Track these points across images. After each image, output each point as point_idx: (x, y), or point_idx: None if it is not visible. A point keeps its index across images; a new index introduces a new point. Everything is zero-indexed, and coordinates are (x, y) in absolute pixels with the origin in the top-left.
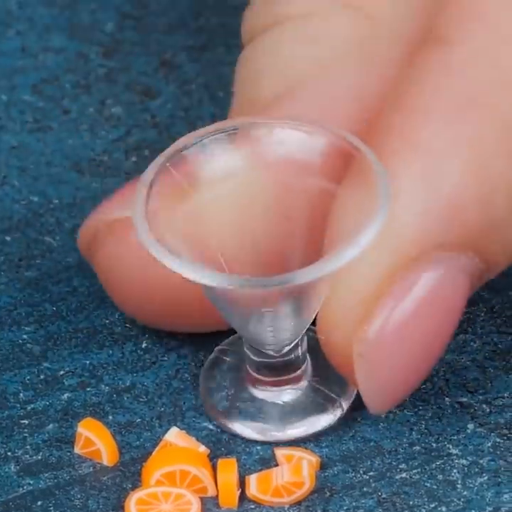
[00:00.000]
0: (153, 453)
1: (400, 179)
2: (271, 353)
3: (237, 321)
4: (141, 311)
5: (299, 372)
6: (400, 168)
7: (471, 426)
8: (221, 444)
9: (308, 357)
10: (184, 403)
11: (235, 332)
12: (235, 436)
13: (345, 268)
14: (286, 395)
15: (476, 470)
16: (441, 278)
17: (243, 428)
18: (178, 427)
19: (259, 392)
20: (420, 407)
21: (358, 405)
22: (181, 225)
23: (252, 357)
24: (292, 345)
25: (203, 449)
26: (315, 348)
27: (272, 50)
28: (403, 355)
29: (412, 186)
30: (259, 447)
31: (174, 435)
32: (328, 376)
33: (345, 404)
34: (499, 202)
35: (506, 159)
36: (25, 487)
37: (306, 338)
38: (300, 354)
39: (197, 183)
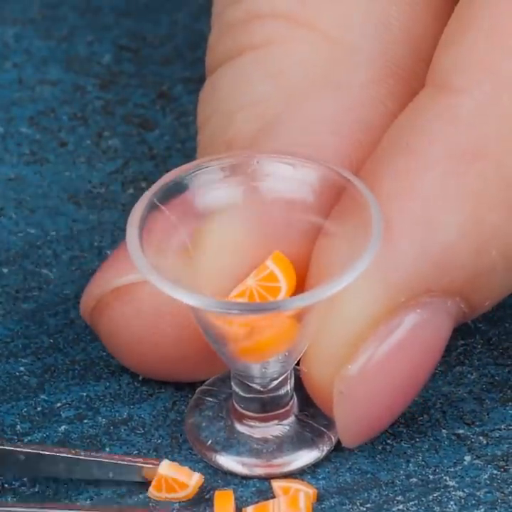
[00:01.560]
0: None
1: (395, 223)
2: (258, 387)
3: (227, 353)
4: (146, 368)
5: (287, 407)
6: (396, 213)
7: (468, 458)
8: (218, 476)
9: (294, 392)
10: (181, 435)
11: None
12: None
13: (334, 307)
14: (275, 430)
15: (473, 502)
16: (425, 320)
17: (232, 463)
18: (175, 459)
19: (246, 428)
20: (417, 439)
21: None
22: (170, 262)
23: (241, 393)
24: (280, 380)
25: (196, 477)
26: (302, 383)
27: (239, 84)
28: (382, 393)
29: (406, 232)
30: (255, 479)
31: (166, 468)
32: (315, 410)
33: (335, 438)
34: (493, 253)
35: (505, 212)
36: None
37: (294, 373)
38: (289, 389)
39: (186, 219)
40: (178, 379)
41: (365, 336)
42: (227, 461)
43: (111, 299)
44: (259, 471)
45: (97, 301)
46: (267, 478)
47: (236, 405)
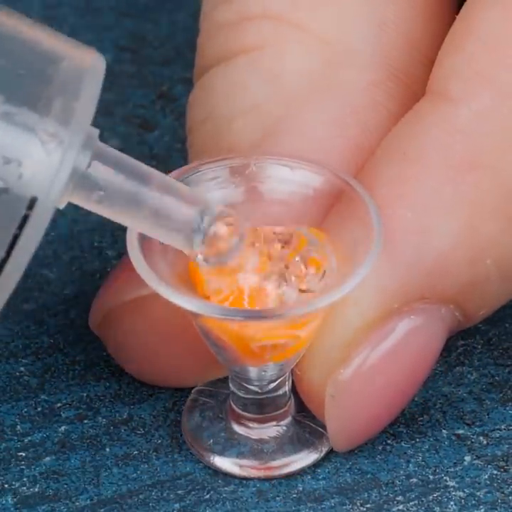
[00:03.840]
0: None
1: (390, 230)
2: (256, 389)
3: (225, 356)
4: (154, 378)
5: (285, 408)
6: (391, 219)
7: (468, 458)
8: (218, 477)
9: (291, 393)
10: (181, 435)
11: None
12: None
13: (331, 313)
14: (272, 431)
15: (473, 502)
16: (418, 327)
17: (230, 466)
18: (175, 459)
19: (244, 430)
20: (417, 439)
21: None
22: (171, 267)
23: (239, 394)
24: (278, 382)
25: None
26: None
27: (233, 88)
28: (374, 399)
29: (401, 239)
30: (255, 480)
31: None
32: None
33: None
34: (488, 262)
35: (500, 222)
36: None
37: (292, 375)
38: (287, 390)
39: None
40: (181, 385)
41: (358, 341)
42: (225, 463)
43: (121, 311)
44: (258, 473)
45: (106, 313)
46: (266, 480)
47: (234, 406)
